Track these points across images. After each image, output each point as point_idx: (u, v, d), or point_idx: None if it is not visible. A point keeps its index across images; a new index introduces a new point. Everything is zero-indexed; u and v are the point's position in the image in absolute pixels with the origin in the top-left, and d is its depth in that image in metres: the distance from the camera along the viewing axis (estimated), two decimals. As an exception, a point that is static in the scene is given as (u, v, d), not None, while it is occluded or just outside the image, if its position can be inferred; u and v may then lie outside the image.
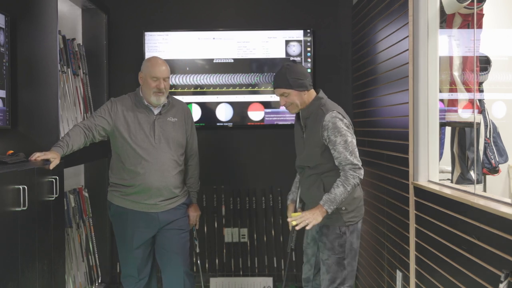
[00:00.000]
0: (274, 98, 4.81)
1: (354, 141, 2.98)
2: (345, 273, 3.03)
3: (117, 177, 3.42)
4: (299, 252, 4.89)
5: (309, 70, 4.80)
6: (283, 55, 4.80)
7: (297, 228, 2.94)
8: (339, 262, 3.03)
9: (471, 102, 3.49)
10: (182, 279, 3.46)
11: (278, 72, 3.08)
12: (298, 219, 2.93)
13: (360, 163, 2.94)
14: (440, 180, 3.23)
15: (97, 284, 4.58)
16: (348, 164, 2.92)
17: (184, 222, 3.52)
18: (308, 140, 3.08)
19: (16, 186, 2.69)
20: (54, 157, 3.09)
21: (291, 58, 4.78)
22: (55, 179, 3.15)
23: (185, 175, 3.56)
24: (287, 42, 4.81)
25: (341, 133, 2.93)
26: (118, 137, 3.37)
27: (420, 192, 3.10)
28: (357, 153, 2.96)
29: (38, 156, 3.06)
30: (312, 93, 3.10)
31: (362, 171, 2.95)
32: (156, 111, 3.40)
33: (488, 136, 3.72)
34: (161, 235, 3.44)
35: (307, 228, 2.93)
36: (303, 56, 4.78)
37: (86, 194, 4.49)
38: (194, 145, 3.60)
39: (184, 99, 3.67)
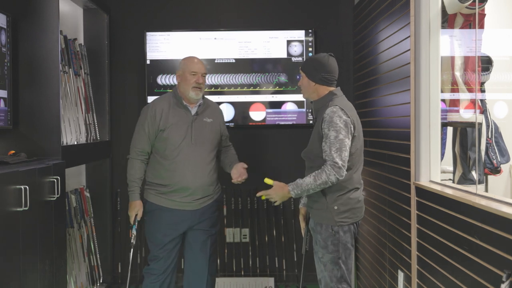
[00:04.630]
0: (275, 98, 4.81)
1: (347, 141, 2.92)
2: (341, 271, 3.03)
3: (155, 175, 3.52)
4: (300, 252, 4.90)
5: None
6: (284, 55, 4.80)
7: (263, 197, 3.09)
8: (334, 261, 3.02)
9: (473, 102, 3.49)
10: (205, 278, 3.58)
11: (312, 55, 3.13)
12: (265, 194, 3.07)
13: (341, 163, 2.88)
14: (441, 180, 3.22)
15: (98, 284, 4.59)
16: (330, 160, 2.89)
17: (215, 220, 3.62)
18: (313, 132, 3.10)
19: (18, 186, 2.70)
20: (137, 211, 3.53)
21: (293, 59, 4.78)
22: (57, 179, 3.16)
23: (224, 162, 3.70)
24: (289, 42, 4.81)
25: (335, 128, 2.91)
26: (158, 137, 3.48)
27: (422, 192, 3.10)
28: (345, 154, 2.91)
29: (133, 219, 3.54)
30: (325, 89, 3.09)
31: (342, 172, 2.89)
32: (193, 111, 3.50)
33: (489, 136, 3.71)
34: (191, 233, 3.55)
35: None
36: (304, 56, 4.77)
37: (88, 194, 4.50)
38: (227, 135, 3.76)
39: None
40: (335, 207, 3.00)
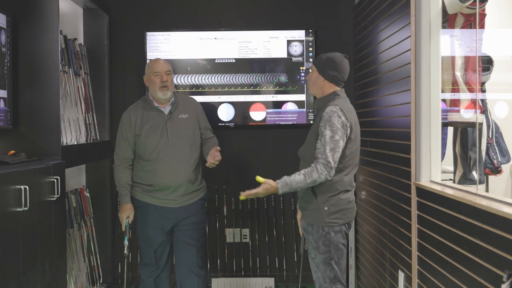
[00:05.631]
0: (276, 98, 4.81)
1: (341, 142, 2.93)
2: (334, 272, 3.04)
3: (139, 177, 3.62)
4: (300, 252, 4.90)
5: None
6: (284, 55, 4.79)
7: (242, 198, 3.01)
8: (327, 262, 3.03)
9: (473, 102, 3.48)
10: (196, 271, 3.66)
11: (327, 53, 3.18)
12: (251, 195, 2.99)
13: (333, 164, 2.90)
14: (442, 180, 3.22)
15: (98, 285, 4.58)
16: (323, 158, 2.89)
17: (200, 217, 3.69)
18: (311, 130, 3.11)
19: (18, 187, 2.69)
20: (129, 214, 3.57)
21: (293, 59, 4.78)
22: (57, 179, 3.16)
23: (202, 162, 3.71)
24: (289, 42, 4.80)
25: (332, 128, 2.92)
26: (137, 142, 3.57)
27: (422, 192, 3.09)
28: (337, 155, 2.92)
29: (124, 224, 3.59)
30: (331, 87, 3.11)
31: (332, 172, 2.90)
32: (166, 111, 3.57)
33: (490, 136, 3.71)
34: (178, 229, 3.63)
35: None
36: (304, 56, 4.77)
37: (88, 194, 4.49)
38: (209, 128, 3.79)
39: (186, 99, 3.70)
40: (326, 208, 3.01)
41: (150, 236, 3.62)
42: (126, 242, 3.62)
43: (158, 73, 3.55)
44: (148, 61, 4.72)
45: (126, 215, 3.58)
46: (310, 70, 3.23)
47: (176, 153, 3.54)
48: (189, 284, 3.69)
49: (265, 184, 2.99)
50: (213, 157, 3.51)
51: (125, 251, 3.62)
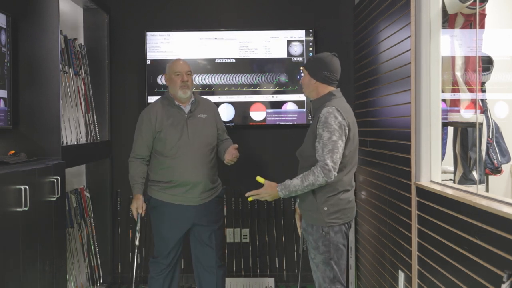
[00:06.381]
0: (276, 98, 4.81)
1: (340, 143, 2.92)
2: (334, 272, 3.04)
3: (157, 174, 3.64)
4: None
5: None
6: (285, 55, 4.79)
7: (250, 199, 3.15)
8: (326, 262, 3.03)
9: (473, 102, 3.48)
10: (214, 271, 3.73)
11: (316, 54, 3.16)
12: (255, 195, 3.11)
13: (332, 165, 2.88)
14: (442, 180, 3.22)
15: (98, 285, 4.58)
16: (321, 161, 2.90)
17: (217, 215, 3.76)
18: (309, 131, 3.11)
19: (18, 187, 2.70)
20: (140, 205, 3.63)
21: (293, 59, 4.78)
22: (57, 179, 3.16)
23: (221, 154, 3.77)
24: (289, 42, 4.80)
25: (329, 129, 2.91)
26: (156, 139, 3.60)
27: (422, 192, 3.09)
28: (337, 156, 2.91)
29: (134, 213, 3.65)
30: (326, 88, 3.11)
31: (331, 174, 2.88)
32: (186, 110, 3.64)
33: (490, 136, 3.71)
34: (196, 228, 3.67)
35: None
36: (305, 56, 4.77)
37: (88, 194, 4.49)
38: (225, 130, 3.88)
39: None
40: (325, 208, 3.01)
41: (167, 235, 3.64)
42: (137, 234, 3.67)
43: (179, 73, 3.61)
44: (148, 61, 4.76)
45: (135, 205, 3.61)
46: (302, 74, 3.23)
47: (196, 151, 3.58)
48: (208, 283, 3.75)
49: (266, 186, 3.06)
50: (231, 155, 3.60)
51: (136, 243, 3.68)
